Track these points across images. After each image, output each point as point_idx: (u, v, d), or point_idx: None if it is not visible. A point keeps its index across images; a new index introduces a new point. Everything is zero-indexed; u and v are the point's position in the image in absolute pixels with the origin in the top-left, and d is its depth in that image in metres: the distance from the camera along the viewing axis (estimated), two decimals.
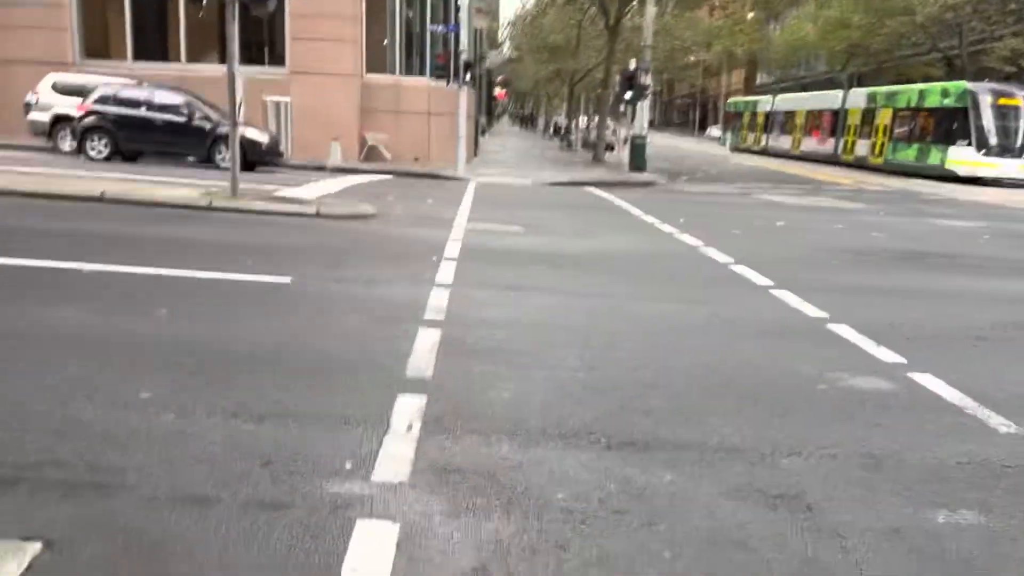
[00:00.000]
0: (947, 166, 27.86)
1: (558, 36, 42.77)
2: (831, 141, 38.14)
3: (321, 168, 19.68)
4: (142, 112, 17.04)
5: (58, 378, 4.14)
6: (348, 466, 3.33)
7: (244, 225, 9.90)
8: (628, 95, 25.04)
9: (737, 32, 49.57)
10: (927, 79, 34.48)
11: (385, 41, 23.54)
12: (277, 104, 21.66)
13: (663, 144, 49.66)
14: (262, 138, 17.76)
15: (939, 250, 11.25)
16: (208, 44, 22.28)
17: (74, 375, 4.20)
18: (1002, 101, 27.49)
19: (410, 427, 3.77)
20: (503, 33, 65.37)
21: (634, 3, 29.60)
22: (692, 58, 63.53)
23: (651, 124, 28.03)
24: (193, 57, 22.53)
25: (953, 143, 27.85)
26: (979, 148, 27.24)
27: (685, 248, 10.18)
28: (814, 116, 40.93)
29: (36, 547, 2.63)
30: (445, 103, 22.67)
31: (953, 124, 28.00)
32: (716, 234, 11.34)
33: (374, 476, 3.26)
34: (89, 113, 16.77)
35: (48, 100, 18.29)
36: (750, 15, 49.54)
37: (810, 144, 40.71)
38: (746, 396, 4.51)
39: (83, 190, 10.92)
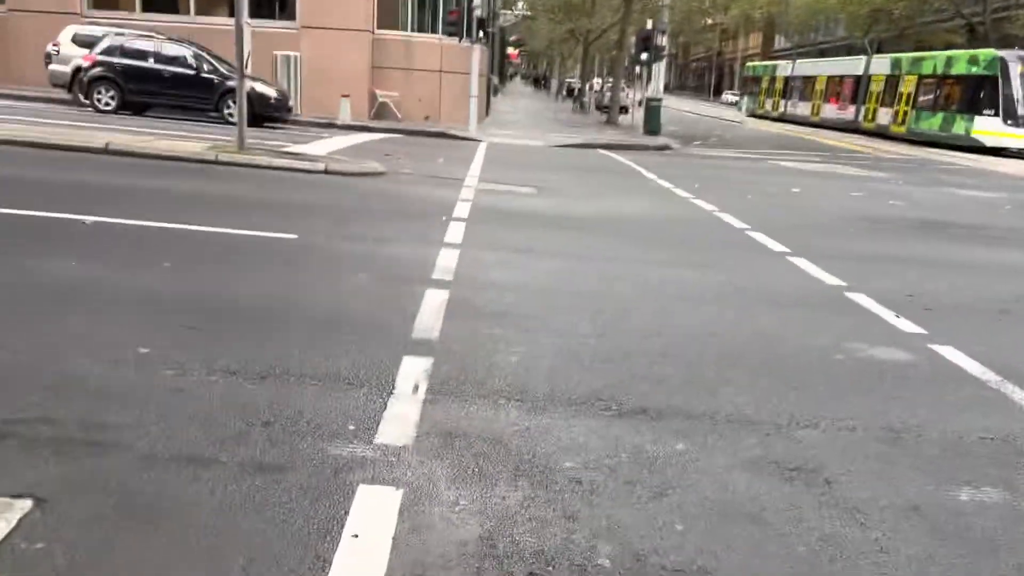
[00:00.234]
0: (972, 136, 27.11)
1: None
2: (852, 108, 37.19)
3: (331, 125, 19.44)
4: (150, 64, 16.80)
5: (54, 331, 4.04)
6: (351, 428, 3.22)
7: (251, 180, 9.74)
8: (644, 56, 24.59)
9: None
10: (948, 46, 33.62)
11: None
12: (287, 58, 21.36)
13: (677, 108, 49.02)
14: (271, 93, 17.52)
15: (959, 220, 11.01)
16: None
17: (71, 329, 4.10)
18: None
19: (415, 389, 3.66)
20: None
21: None
22: (709, 20, 62.47)
23: (665, 87, 27.55)
24: (202, 10, 22.16)
25: (980, 112, 27.05)
26: (1006, 119, 26.47)
27: (700, 213, 9.98)
28: (835, 82, 39.87)
29: (26, 504, 2.54)
30: (457, 61, 22.30)
31: (980, 93, 27.15)
32: (731, 199, 11.13)
33: (377, 439, 3.16)
34: (95, 64, 16.54)
35: (68, 52, 18.07)
36: None
37: (830, 111, 39.74)
38: (761, 366, 4.38)
39: (87, 141, 10.77)
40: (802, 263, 7.16)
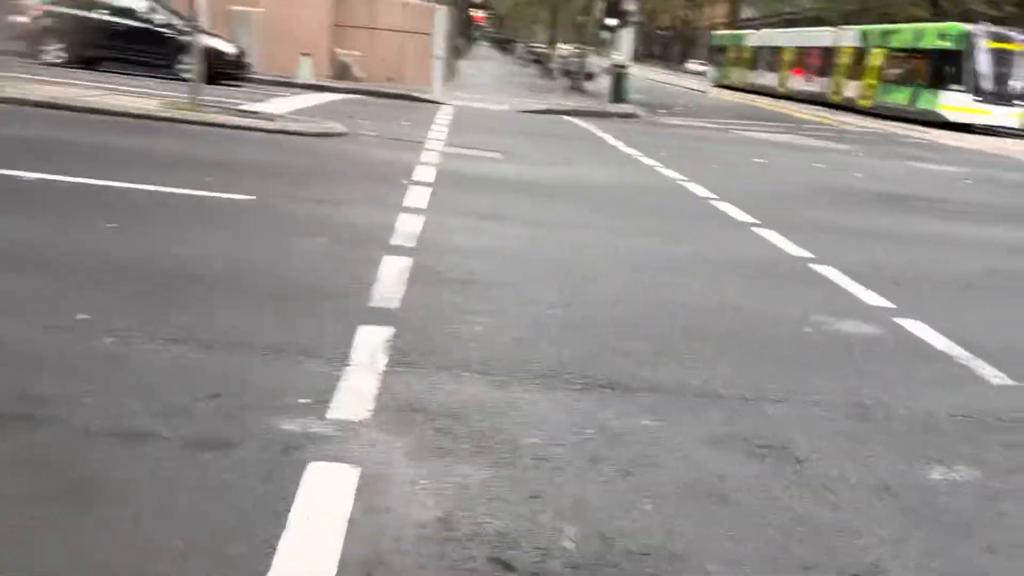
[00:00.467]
0: (939, 111, 26.76)
1: None
2: (819, 80, 36.69)
3: (290, 84, 18.87)
4: (102, 16, 16.09)
5: None
6: (303, 401, 3.05)
7: (205, 139, 9.38)
8: (612, 22, 24.27)
9: None
10: (910, 20, 33.57)
11: None
12: (246, 14, 20.64)
13: (643, 76, 48.71)
14: (228, 49, 16.92)
15: (922, 193, 11.06)
16: None
17: (4, 292, 3.84)
18: (1000, 45, 26.21)
19: (373, 360, 3.49)
20: None
21: None
22: None
23: (632, 56, 27.22)
24: None
25: (947, 87, 26.69)
26: (972, 94, 26.09)
27: (667, 182, 9.87)
28: (802, 53, 39.22)
29: None
30: (422, 21, 21.78)
31: (948, 67, 26.78)
32: (697, 169, 11.04)
33: (331, 413, 2.99)
34: (44, 14, 15.79)
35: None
36: None
37: (797, 82, 39.14)
38: (729, 338, 4.29)
39: (29, 94, 10.25)
40: (769, 234, 7.09)
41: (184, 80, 14.64)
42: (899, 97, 29.61)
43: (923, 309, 5.12)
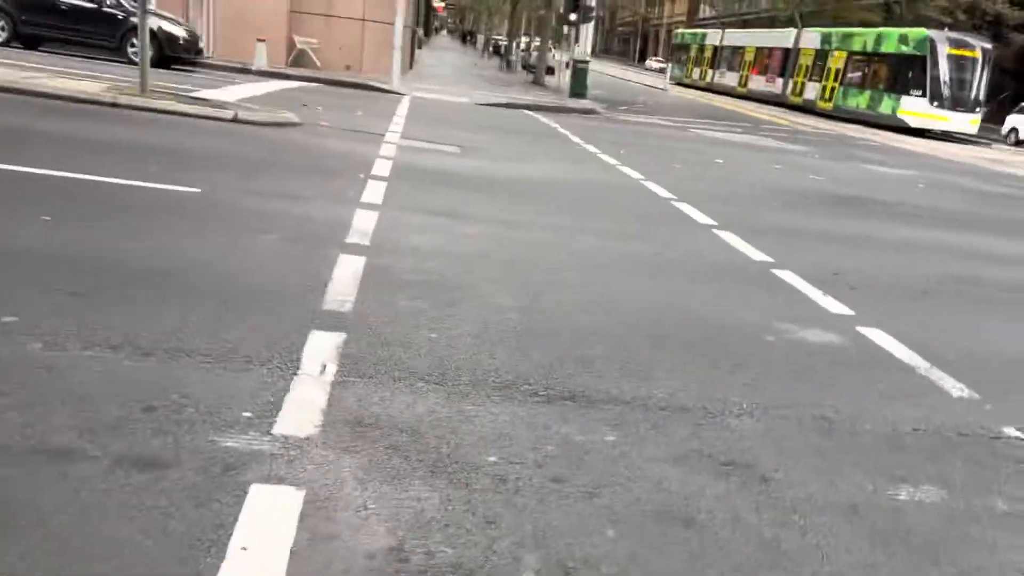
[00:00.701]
0: (899, 116, 26.97)
1: None
2: (779, 81, 36.86)
3: (245, 71, 18.42)
4: None
5: None
6: (247, 415, 2.86)
7: (152, 126, 9.02)
8: (572, 16, 24.18)
9: None
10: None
11: None
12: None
13: (603, 72, 48.82)
14: (180, 32, 16.43)
15: (877, 196, 11.17)
16: None
17: None
18: (959, 52, 26.44)
19: (323, 369, 3.32)
20: None
21: None
22: None
23: (592, 51, 27.15)
24: None
25: (907, 92, 26.90)
26: (932, 100, 26.30)
27: (627, 181, 9.79)
28: (764, 54, 39.36)
29: None
30: (381, 10, 21.43)
31: (908, 72, 26.97)
32: (657, 168, 10.99)
33: (277, 428, 2.81)
34: None
35: None
36: None
37: (758, 83, 39.31)
38: (693, 346, 4.19)
39: None
40: (729, 237, 7.05)
41: (134, 63, 14.16)
42: (859, 101, 29.81)
43: (882, 317, 5.10)
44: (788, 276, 5.89)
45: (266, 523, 2.29)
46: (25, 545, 2.10)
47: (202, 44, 18.05)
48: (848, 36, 32.06)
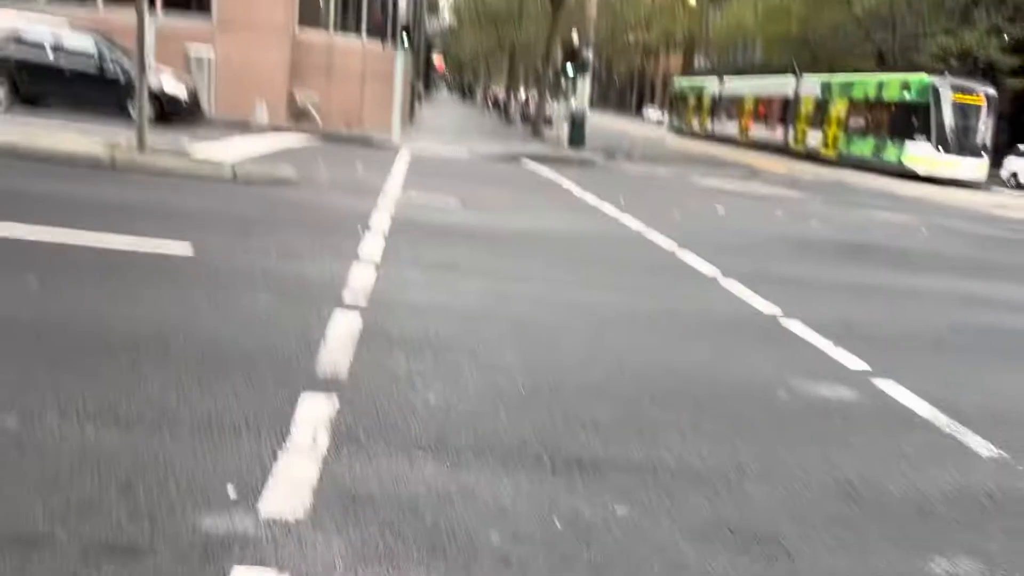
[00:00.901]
0: (905, 163, 26.67)
1: (500, 5, 41.91)
2: (781, 129, 36.53)
3: (245, 127, 18.51)
4: (48, 54, 15.61)
5: None
6: (231, 494, 2.66)
7: (148, 185, 8.95)
8: (570, 69, 24.46)
9: (678, 14, 49.27)
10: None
11: None
12: (200, 57, 20.30)
13: (601, 123, 49.30)
14: (180, 91, 16.53)
15: (881, 243, 11.06)
16: None
17: None
18: (963, 98, 26.28)
19: (315, 439, 3.13)
20: (443, 1, 64.08)
21: None
22: (632, 38, 63.51)
23: (589, 102, 27.38)
24: (110, 1, 20.88)
25: (912, 139, 26.64)
26: (938, 146, 26.01)
27: (627, 231, 9.68)
28: (764, 102, 39.14)
29: None
30: (381, 66, 21.67)
31: (912, 119, 26.71)
32: (657, 217, 10.89)
33: (263, 507, 2.61)
34: None
35: None
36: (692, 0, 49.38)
37: (759, 131, 38.94)
38: (703, 405, 4.00)
39: None
40: (734, 286, 6.89)
41: (135, 121, 14.19)
42: (864, 148, 29.48)
43: (898, 369, 4.91)
44: (797, 327, 5.71)
45: None
46: None
47: (202, 101, 18.16)
48: (849, 83, 31.86)
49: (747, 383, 4.45)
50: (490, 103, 59.14)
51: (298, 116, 21.59)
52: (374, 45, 21.90)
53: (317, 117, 21.66)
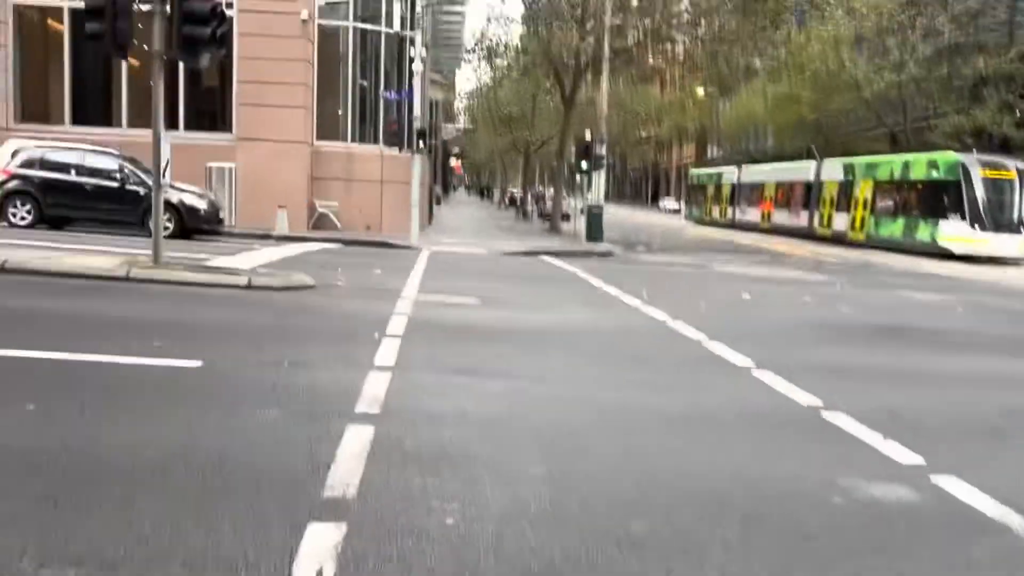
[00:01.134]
0: (939, 242, 25.99)
1: (514, 107, 43.00)
2: (804, 214, 36.19)
3: (266, 237, 18.71)
4: (71, 176, 16.04)
5: None
6: None
7: (163, 298, 8.87)
8: (584, 165, 24.77)
9: (688, 107, 50.22)
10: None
11: (339, 111, 22.91)
12: (222, 170, 20.77)
13: (617, 215, 49.69)
14: (201, 204, 16.80)
15: (917, 324, 10.66)
16: (149, 109, 21.36)
17: None
18: (994, 174, 25.80)
19: (320, 575, 2.81)
20: (458, 106, 66.10)
21: (588, 76, 29.64)
22: (644, 133, 64.81)
23: (605, 196, 27.59)
24: (133, 122, 21.52)
25: (945, 218, 26.01)
26: (972, 223, 25.39)
27: (653, 323, 9.39)
28: (785, 188, 38.85)
29: None
30: (398, 171, 22.02)
31: (944, 198, 26.16)
32: (682, 307, 10.61)
33: None
34: (11, 177, 15.66)
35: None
36: (700, 91, 50.48)
37: (781, 217, 38.57)
38: (750, 516, 3.63)
39: None
40: (769, 378, 6.54)
41: None
42: (894, 230, 28.89)
43: (956, 463, 4.51)
44: (841, 420, 5.34)
45: None
46: None
47: (223, 214, 18.43)
48: (874, 165, 31.55)
49: (796, 487, 4.08)
50: (507, 202, 60.04)
51: (319, 223, 21.86)
52: (391, 152, 22.31)
53: (337, 223, 21.91)
